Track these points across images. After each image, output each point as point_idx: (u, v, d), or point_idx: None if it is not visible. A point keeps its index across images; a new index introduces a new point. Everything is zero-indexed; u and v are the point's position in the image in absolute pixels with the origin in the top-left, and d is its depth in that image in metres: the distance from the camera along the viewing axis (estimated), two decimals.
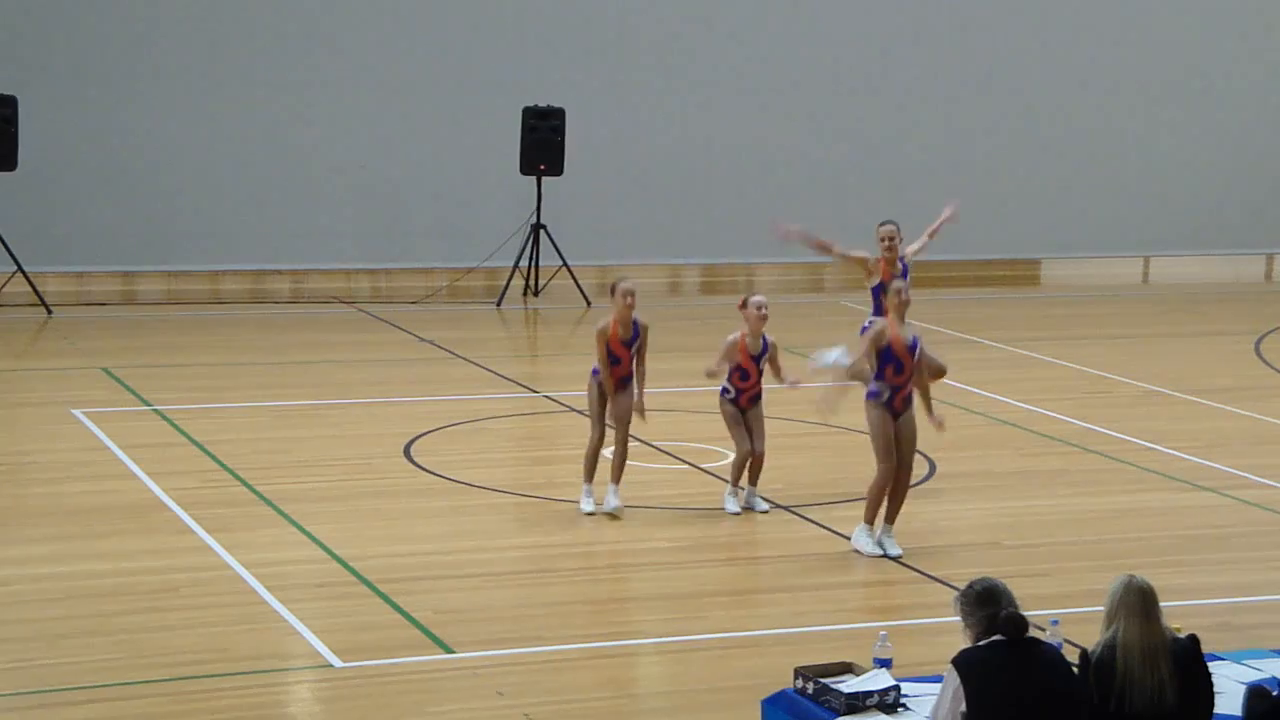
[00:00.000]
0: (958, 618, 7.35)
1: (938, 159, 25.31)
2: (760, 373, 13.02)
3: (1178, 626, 7.52)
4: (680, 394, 16.90)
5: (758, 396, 13.10)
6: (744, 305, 12.95)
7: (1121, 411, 16.78)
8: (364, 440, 15.14)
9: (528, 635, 10.61)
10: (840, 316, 22.25)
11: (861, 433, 15.61)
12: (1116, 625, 7.24)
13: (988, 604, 7.24)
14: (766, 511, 13.16)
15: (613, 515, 12.86)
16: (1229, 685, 7.82)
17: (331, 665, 10.01)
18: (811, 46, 24.77)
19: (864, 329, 13.46)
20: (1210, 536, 12.96)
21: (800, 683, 7.97)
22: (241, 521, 12.66)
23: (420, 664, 10.09)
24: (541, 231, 22.36)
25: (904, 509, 12.92)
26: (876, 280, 13.89)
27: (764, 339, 12.97)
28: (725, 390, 13.12)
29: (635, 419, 12.98)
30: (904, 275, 13.73)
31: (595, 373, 12.91)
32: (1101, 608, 7.38)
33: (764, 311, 12.86)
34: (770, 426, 15.87)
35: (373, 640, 10.41)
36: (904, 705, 7.77)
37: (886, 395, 12.07)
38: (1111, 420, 16.26)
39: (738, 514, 13.06)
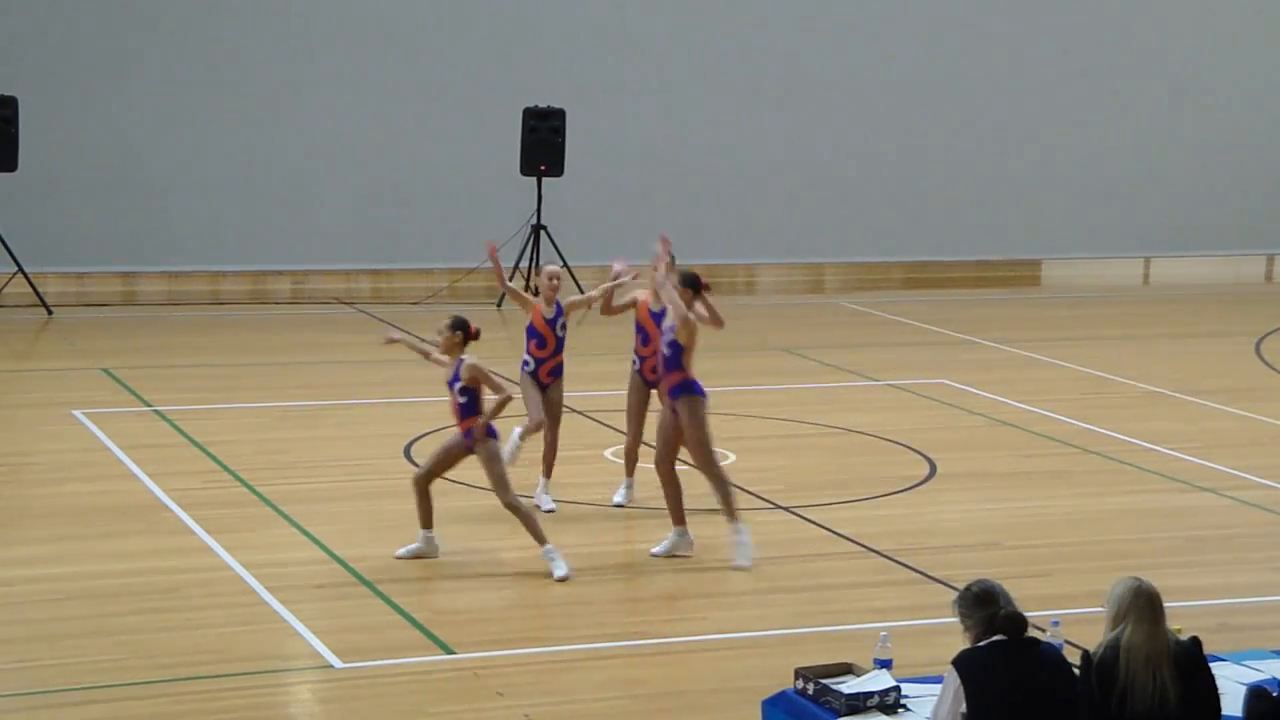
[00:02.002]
0: (956, 620, 7.35)
1: (939, 160, 25.32)
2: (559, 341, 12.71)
3: (1179, 628, 7.52)
4: None
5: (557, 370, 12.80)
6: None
7: (1121, 412, 16.79)
8: (364, 441, 15.15)
9: (528, 636, 10.61)
10: (840, 317, 22.28)
11: (860, 433, 15.64)
12: (1122, 628, 7.22)
13: (985, 605, 7.25)
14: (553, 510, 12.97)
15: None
16: (1229, 686, 7.81)
17: (332, 666, 10.01)
18: (812, 48, 24.77)
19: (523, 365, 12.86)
20: (1210, 537, 12.96)
21: (801, 683, 7.97)
22: (242, 522, 12.66)
23: (420, 664, 10.09)
24: (542, 232, 22.38)
25: (899, 509, 12.99)
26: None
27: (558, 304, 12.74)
28: (525, 363, 12.81)
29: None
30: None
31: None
32: (1102, 608, 7.37)
33: (555, 282, 12.78)
34: (770, 427, 15.92)
35: (373, 641, 10.41)
36: (904, 706, 7.77)
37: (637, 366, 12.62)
38: (1111, 421, 16.26)
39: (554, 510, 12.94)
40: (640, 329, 12.65)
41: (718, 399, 16.78)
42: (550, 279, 12.81)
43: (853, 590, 11.58)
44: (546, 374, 12.82)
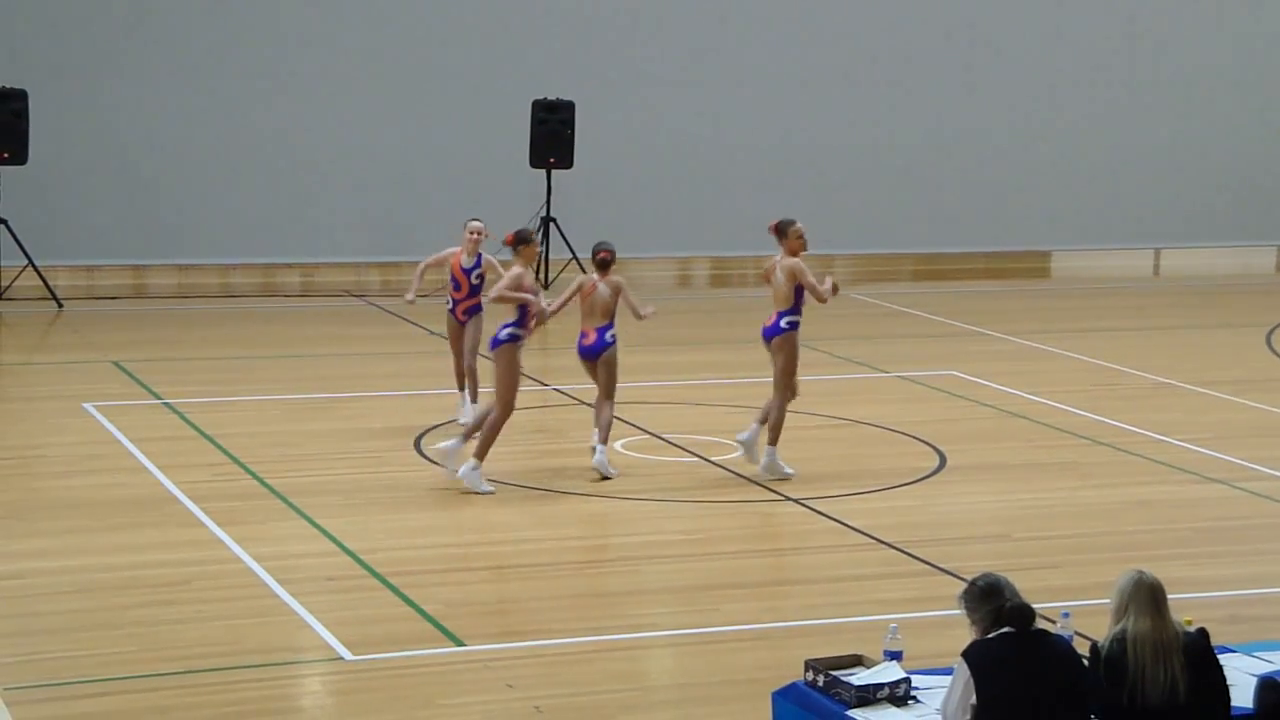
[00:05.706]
0: (963, 615, 7.34)
1: (948, 152, 25.30)
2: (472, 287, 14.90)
3: (1188, 619, 7.52)
4: (690, 386, 16.92)
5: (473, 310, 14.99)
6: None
7: (1132, 403, 16.77)
8: (374, 433, 15.16)
9: (538, 628, 10.62)
10: (849, 309, 22.27)
11: (873, 425, 15.64)
12: (1127, 620, 7.23)
13: (991, 598, 7.24)
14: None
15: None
16: (1240, 677, 7.80)
17: (342, 658, 10.02)
18: (822, 39, 24.76)
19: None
20: (1220, 528, 12.95)
21: (811, 675, 7.97)
22: (252, 514, 12.67)
23: (431, 657, 10.10)
24: (552, 224, 22.38)
25: (909, 501, 12.95)
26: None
27: (479, 257, 14.98)
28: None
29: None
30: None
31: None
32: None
33: (476, 236, 15.04)
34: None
35: (383, 633, 10.42)
36: (914, 698, 7.77)
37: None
38: (1122, 412, 16.25)
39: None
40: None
41: (725, 391, 16.85)
42: (472, 233, 15.06)
43: (862, 582, 11.58)
44: (462, 313, 15.01)
